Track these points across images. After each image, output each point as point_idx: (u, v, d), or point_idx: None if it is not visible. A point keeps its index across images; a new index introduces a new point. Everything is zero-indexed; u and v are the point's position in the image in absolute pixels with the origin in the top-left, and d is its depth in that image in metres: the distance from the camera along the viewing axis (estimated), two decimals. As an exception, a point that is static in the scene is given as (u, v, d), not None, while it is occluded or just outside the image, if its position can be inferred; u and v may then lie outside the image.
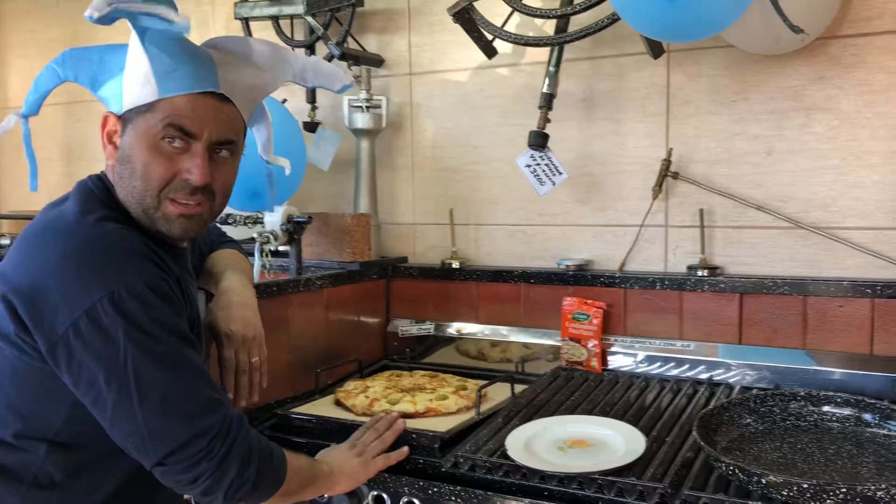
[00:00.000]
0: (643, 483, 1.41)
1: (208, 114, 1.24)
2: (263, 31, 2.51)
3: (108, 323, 1.11)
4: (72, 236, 1.19)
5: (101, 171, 1.33)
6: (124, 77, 1.23)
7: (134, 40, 1.21)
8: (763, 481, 1.31)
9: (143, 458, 1.18)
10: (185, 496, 1.37)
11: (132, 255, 1.19)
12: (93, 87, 1.26)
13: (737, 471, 1.36)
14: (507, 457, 1.54)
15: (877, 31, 1.81)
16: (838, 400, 1.63)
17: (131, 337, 1.12)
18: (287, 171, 1.60)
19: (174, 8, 1.19)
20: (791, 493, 1.29)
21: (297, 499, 1.41)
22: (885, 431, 1.55)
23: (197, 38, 1.31)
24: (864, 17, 1.83)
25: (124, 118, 1.25)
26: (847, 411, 1.61)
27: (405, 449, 1.62)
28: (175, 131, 1.22)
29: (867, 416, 1.58)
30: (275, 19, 2.43)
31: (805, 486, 1.28)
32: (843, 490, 1.26)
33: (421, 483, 1.59)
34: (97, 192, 1.28)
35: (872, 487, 1.25)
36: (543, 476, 1.49)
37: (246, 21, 2.44)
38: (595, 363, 2.04)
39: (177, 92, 1.21)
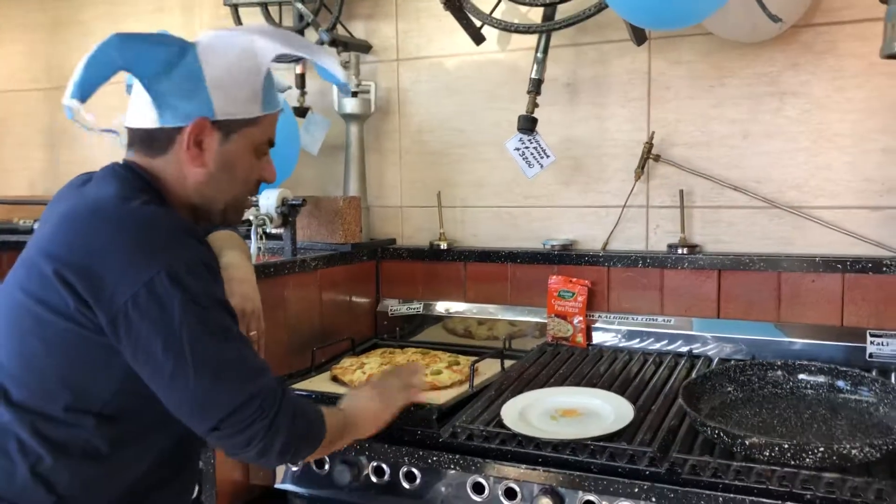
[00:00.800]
0: (633, 447, 1.50)
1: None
2: (252, 17, 2.54)
3: (165, 295, 1.17)
4: (123, 217, 1.24)
5: (125, 160, 1.36)
6: (216, 84, 1.28)
7: (250, 60, 1.31)
8: (746, 443, 1.41)
9: (199, 423, 1.24)
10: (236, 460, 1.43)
11: (183, 233, 1.25)
12: (151, 83, 1.29)
13: (721, 434, 1.46)
14: (502, 426, 1.62)
15: (847, 20, 1.91)
16: (812, 368, 1.73)
17: (186, 309, 1.18)
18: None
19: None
20: (773, 454, 1.38)
21: (332, 450, 1.48)
22: (856, 397, 1.65)
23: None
24: (835, 7, 1.92)
25: (223, 125, 1.31)
26: (821, 379, 1.71)
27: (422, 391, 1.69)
28: (269, 144, 1.40)
29: (840, 383, 1.69)
30: (264, 6, 2.47)
31: (786, 446, 1.37)
32: (821, 449, 1.36)
33: (420, 453, 1.66)
34: (132, 179, 1.33)
35: (848, 446, 1.35)
36: (538, 443, 1.57)
37: (235, 7, 2.47)
38: (580, 338, 2.13)
39: (274, 110, 1.38)
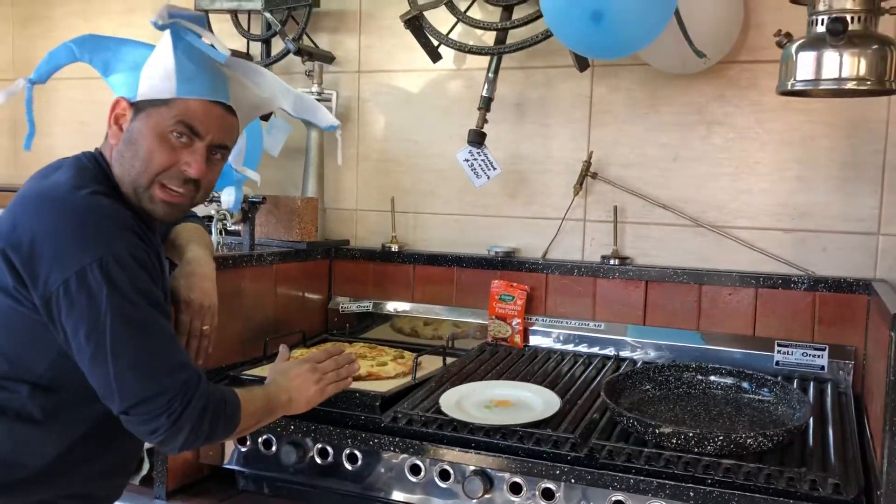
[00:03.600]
0: (557, 434, 1.65)
1: (215, 120, 1.43)
2: (222, 24, 2.66)
3: (94, 285, 1.27)
4: (68, 205, 1.34)
5: (96, 149, 1.48)
6: (144, 70, 1.38)
7: (165, 44, 1.38)
8: (657, 431, 1.57)
9: (111, 405, 1.34)
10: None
11: (121, 227, 1.34)
12: (104, 72, 1.42)
13: (635, 423, 1.62)
14: (440, 413, 1.76)
15: (768, 60, 2.10)
16: (722, 371, 1.91)
17: (112, 301, 1.27)
18: (257, 183, 1.81)
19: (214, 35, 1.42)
20: (679, 441, 1.55)
21: (253, 430, 1.59)
22: (758, 397, 1.83)
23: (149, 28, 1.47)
24: (758, 47, 2.12)
25: (137, 105, 1.40)
26: (729, 380, 1.89)
27: (351, 378, 1.78)
28: (184, 128, 1.39)
29: (745, 384, 1.87)
30: (233, 13, 2.59)
31: (690, 434, 1.54)
32: (721, 437, 1.53)
33: (363, 435, 1.80)
34: (91, 168, 1.43)
35: (743, 435, 1.53)
36: (472, 429, 1.71)
37: (206, 13, 2.58)
38: (518, 339, 2.29)
39: (193, 96, 1.39)
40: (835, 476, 1.46)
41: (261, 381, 1.96)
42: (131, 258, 1.31)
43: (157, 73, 1.37)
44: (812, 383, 1.98)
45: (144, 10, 2.91)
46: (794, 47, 1.56)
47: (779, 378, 1.86)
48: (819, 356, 2.02)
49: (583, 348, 2.27)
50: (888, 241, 2.05)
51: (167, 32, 1.38)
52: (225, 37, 2.56)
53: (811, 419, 1.69)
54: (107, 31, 1.62)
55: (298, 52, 2.43)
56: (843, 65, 1.46)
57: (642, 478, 1.56)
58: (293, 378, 1.65)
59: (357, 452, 1.83)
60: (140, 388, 1.31)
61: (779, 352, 2.05)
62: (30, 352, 1.36)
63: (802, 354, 2.03)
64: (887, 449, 1.38)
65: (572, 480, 1.61)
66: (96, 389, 1.34)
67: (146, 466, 2.07)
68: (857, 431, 1.72)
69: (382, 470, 1.81)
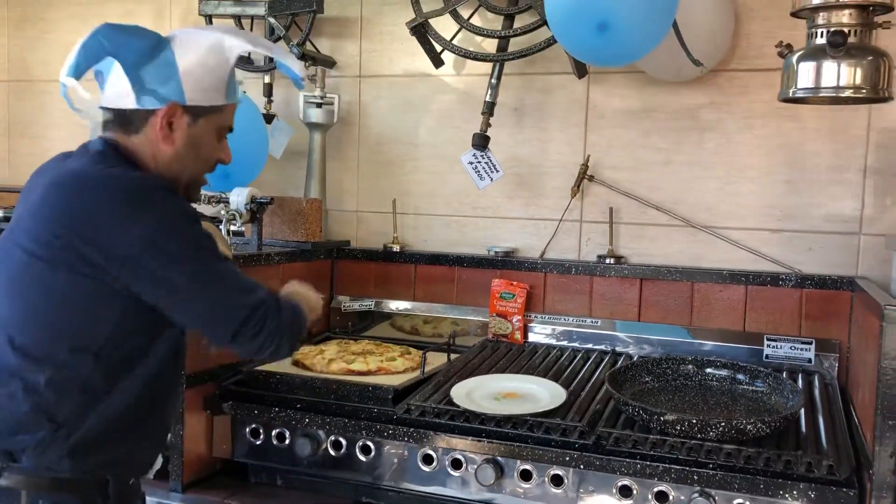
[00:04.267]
0: (566, 423, 1.74)
1: None
2: (224, 28, 2.71)
3: (161, 241, 1.39)
4: (108, 180, 1.42)
5: (105, 138, 1.52)
6: (187, 73, 1.48)
7: (219, 53, 1.51)
8: (661, 419, 1.66)
9: (218, 334, 1.47)
10: None
11: (168, 192, 1.46)
12: (132, 70, 1.47)
13: (641, 411, 1.71)
14: (452, 404, 1.84)
15: (758, 68, 2.22)
16: (718, 364, 2.01)
17: (194, 241, 1.43)
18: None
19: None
20: (682, 428, 1.64)
21: None
22: (753, 388, 1.93)
23: (153, 28, 1.54)
24: (749, 56, 2.23)
25: (189, 110, 1.50)
26: (724, 372, 1.99)
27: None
28: (228, 130, 1.61)
29: (740, 376, 1.97)
30: (237, 18, 2.64)
31: (693, 421, 1.64)
32: (722, 424, 1.62)
33: (377, 427, 1.86)
34: (109, 151, 1.50)
35: (744, 421, 1.62)
36: (483, 419, 1.79)
37: (209, 18, 2.64)
38: (518, 336, 2.37)
39: (235, 101, 1.59)
40: (828, 458, 1.56)
41: (273, 375, 2.04)
42: (185, 214, 1.46)
43: (211, 84, 1.51)
44: (800, 375, 2.08)
45: (143, 14, 2.96)
46: (794, 58, 1.67)
47: (770, 370, 1.96)
48: (806, 349, 2.13)
49: (580, 344, 2.36)
50: (869, 240, 2.17)
51: (213, 38, 1.52)
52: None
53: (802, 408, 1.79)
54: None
55: (302, 57, 2.49)
56: (841, 74, 1.58)
57: (648, 463, 1.65)
58: (302, 290, 1.73)
59: (370, 443, 1.89)
60: (236, 311, 1.44)
61: (768, 346, 2.16)
62: (93, 323, 1.42)
63: (790, 348, 2.14)
64: (878, 430, 1.48)
65: (581, 467, 1.70)
66: (198, 326, 1.48)
67: (160, 461, 2.12)
68: (844, 418, 1.83)
69: (395, 460, 1.88)
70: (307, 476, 1.99)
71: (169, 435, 1.77)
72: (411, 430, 1.84)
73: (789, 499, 1.56)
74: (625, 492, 1.69)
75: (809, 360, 2.12)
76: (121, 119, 1.51)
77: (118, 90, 1.49)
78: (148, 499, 1.99)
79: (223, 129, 1.59)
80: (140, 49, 1.46)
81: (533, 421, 1.76)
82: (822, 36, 1.59)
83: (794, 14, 1.68)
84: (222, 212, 2.23)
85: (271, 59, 2.65)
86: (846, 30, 1.55)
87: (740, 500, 1.61)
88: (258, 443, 2.00)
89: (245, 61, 2.61)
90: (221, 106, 1.55)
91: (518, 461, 1.76)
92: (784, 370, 2.12)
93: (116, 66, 1.48)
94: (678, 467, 1.63)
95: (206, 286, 1.44)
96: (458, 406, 1.82)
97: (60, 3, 3.12)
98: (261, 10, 2.56)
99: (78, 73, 1.46)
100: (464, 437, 1.80)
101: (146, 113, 1.49)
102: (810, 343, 2.13)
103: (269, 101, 2.65)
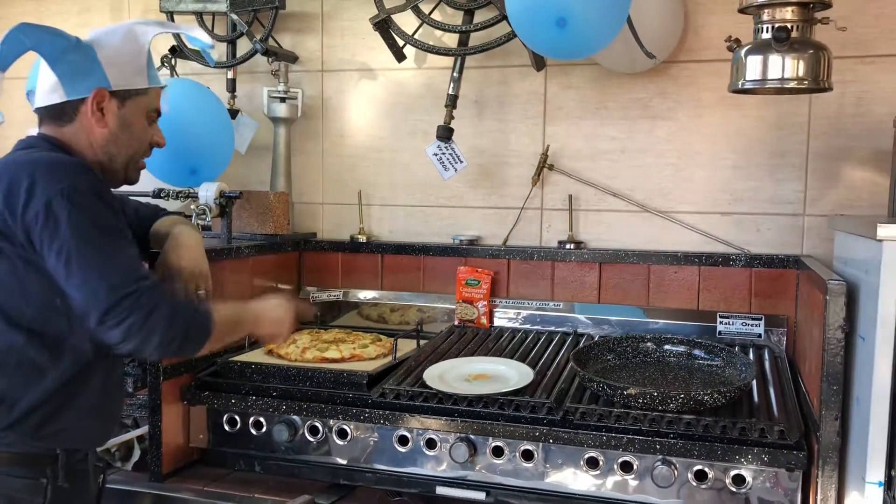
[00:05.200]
0: (535, 400, 1.83)
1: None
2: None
3: (58, 210, 1.41)
4: (34, 160, 1.49)
5: (39, 132, 1.60)
6: (108, 62, 1.56)
7: (130, 40, 1.59)
8: (625, 393, 1.76)
9: (89, 318, 1.43)
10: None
11: (82, 168, 1.51)
12: (56, 63, 1.54)
13: (605, 387, 1.81)
14: (425, 387, 1.91)
15: (706, 59, 2.33)
16: (675, 340, 2.12)
17: (75, 220, 1.42)
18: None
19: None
20: (644, 401, 1.75)
21: (229, 340, 1.72)
22: (708, 362, 2.04)
23: (111, 22, 1.60)
24: (697, 48, 2.34)
25: (116, 94, 1.58)
26: (682, 349, 2.10)
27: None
28: (157, 113, 1.69)
29: (696, 352, 2.08)
30: (198, 14, 2.67)
31: (655, 394, 1.74)
32: (681, 396, 1.73)
33: (353, 411, 1.93)
34: (43, 143, 1.58)
35: (702, 393, 1.73)
36: (455, 399, 1.87)
37: (171, 14, 2.66)
38: (484, 320, 2.46)
39: (157, 85, 1.67)
40: (779, 424, 1.68)
41: (248, 365, 2.09)
42: (91, 190, 1.47)
43: (132, 67, 1.60)
44: (751, 349, 2.21)
45: (101, 10, 2.96)
46: (742, 51, 1.77)
47: (724, 345, 2.08)
48: (756, 325, 2.25)
49: (543, 327, 2.45)
50: (812, 220, 2.30)
51: (125, 27, 1.60)
52: (191, 38, 2.63)
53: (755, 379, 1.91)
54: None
55: (266, 53, 2.53)
56: (786, 67, 1.69)
57: (613, 435, 1.75)
58: (264, 302, 1.77)
59: (346, 427, 1.96)
60: (108, 292, 1.41)
61: (721, 322, 2.28)
62: (23, 298, 1.48)
63: (742, 324, 2.26)
64: (824, 395, 1.60)
65: (550, 441, 1.79)
66: (77, 309, 1.44)
67: (137, 453, 2.16)
68: (793, 388, 1.96)
69: (372, 443, 1.95)
70: (285, 462, 2.05)
71: (120, 415, 1.78)
72: (386, 412, 1.91)
73: (745, 462, 1.68)
74: (592, 463, 1.79)
75: (759, 335, 2.25)
76: (53, 113, 1.59)
77: (46, 87, 1.58)
78: (127, 489, 2.03)
79: (152, 112, 1.66)
80: (60, 45, 1.54)
81: (503, 400, 1.85)
82: (767, 31, 1.70)
83: (742, 10, 1.78)
84: (192, 207, 2.26)
85: (233, 46, 2.69)
86: (789, 25, 1.66)
87: (700, 466, 1.72)
88: (235, 431, 2.05)
89: (199, 56, 2.63)
90: (146, 89, 1.63)
91: (490, 438, 1.85)
92: (736, 345, 2.24)
93: (43, 68, 1.57)
94: (641, 438, 1.73)
95: (86, 260, 1.42)
96: (432, 388, 1.90)
97: (15, 1, 3.10)
98: (223, 6, 2.59)
99: (3, 63, 1.53)
100: (437, 418, 1.87)
101: (76, 102, 1.57)
102: (760, 319, 2.26)
103: (233, 97, 2.68)
